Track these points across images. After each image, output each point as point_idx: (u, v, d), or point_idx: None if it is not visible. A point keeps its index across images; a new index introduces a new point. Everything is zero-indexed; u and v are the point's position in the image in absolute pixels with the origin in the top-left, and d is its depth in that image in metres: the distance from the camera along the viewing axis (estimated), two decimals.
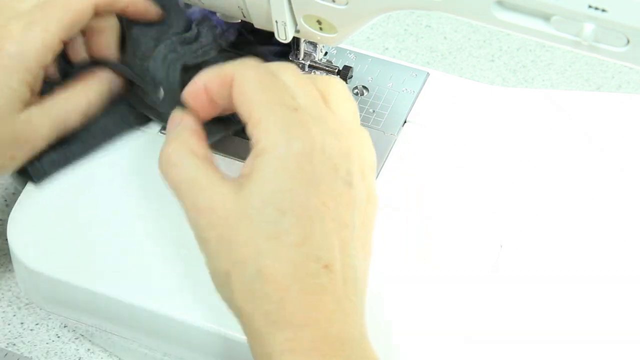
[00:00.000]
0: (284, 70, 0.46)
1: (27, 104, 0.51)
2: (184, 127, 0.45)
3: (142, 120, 0.57)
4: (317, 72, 0.59)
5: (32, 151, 0.53)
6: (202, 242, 0.43)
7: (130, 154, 0.56)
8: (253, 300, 0.41)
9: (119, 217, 0.54)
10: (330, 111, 0.45)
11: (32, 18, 0.50)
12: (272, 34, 0.54)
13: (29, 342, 0.63)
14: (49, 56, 0.51)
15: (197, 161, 0.43)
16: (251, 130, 0.43)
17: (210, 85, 0.46)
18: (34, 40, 0.50)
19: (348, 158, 0.44)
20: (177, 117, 0.46)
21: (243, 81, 0.44)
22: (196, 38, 0.55)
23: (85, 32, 0.55)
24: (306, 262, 0.41)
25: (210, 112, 0.47)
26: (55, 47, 0.51)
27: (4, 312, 0.64)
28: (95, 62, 0.55)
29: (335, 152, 0.43)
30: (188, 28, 0.56)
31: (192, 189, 0.43)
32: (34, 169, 0.55)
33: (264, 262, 0.41)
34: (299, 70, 0.47)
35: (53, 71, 0.54)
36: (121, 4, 0.54)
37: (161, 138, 0.56)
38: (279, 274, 0.41)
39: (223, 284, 0.43)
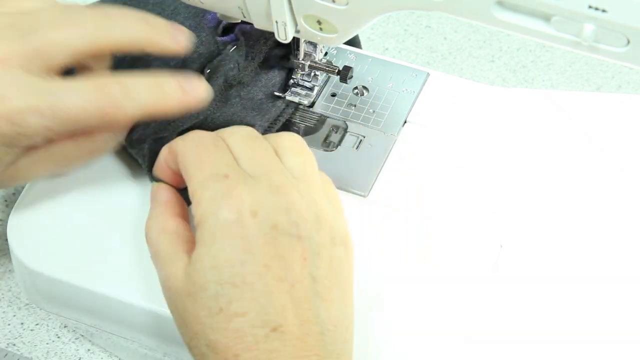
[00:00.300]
0: (233, 132, 0.47)
1: (18, 156, 0.47)
2: (158, 203, 0.48)
3: None
4: (317, 72, 0.59)
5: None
6: (170, 311, 0.45)
7: (130, 155, 0.56)
8: None
9: (119, 218, 0.54)
10: (277, 163, 0.46)
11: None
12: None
13: (29, 342, 0.63)
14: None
15: (163, 238, 0.46)
16: (192, 203, 0.45)
17: (167, 159, 0.48)
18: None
19: (289, 211, 0.43)
20: (153, 191, 0.48)
21: (182, 155, 0.46)
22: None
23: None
24: (252, 330, 0.41)
25: (181, 182, 0.48)
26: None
27: (4, 312, 0.64)
28: None
29: (271, 209, 0.43)
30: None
31: (157, 264, 0.45)
32: None
33: (210, 336, 0.42)
34: (253, 131, 0.48)
35: None
36: (110, 43, 0.47)
37: None
38: (226, 347, 0.41)
39: (192, 354, 0.44)
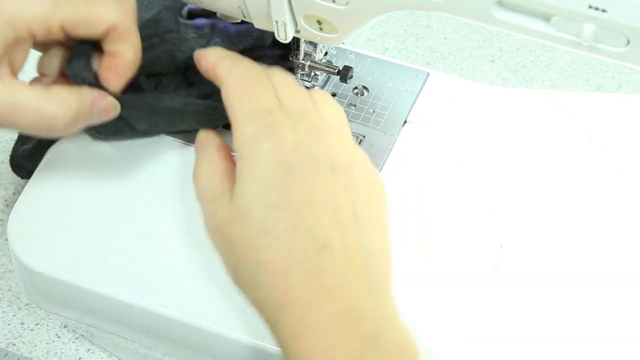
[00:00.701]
0: (277, 72, 0.48)
1: None
2: (208, 146, 0.48)
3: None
4: (317, 72, 0.59)
5: None
6: (213, 244, 0.46)
7: (132, 156, 0.56)
8: (261, 291, 0.43)
9: (119, 218, 0.54)
10: (315, 108, 0.47)
11: None
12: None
13: (29, 342, 0.63)
14: None
15: (213, 177, 0.46)
16: (233, 132, 0.46)
17: (208, 69, 0.49)
18: None
19: (329, 148, 0.45)
20: (202, 137, 0.49)
21: (227, 87, 0.47)
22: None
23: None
24: (301, 247, 0.43)
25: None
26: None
27: (4, 312, 0.64)
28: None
29: (313, 147, 0.45)
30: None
31: (204, 200, 0.46)
32: (15, 166, 0.56)
33: (260, 257, 0.43)
34: (290, 75, 0.49)
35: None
36: (97, 28, 0.50)
37: (162, 138, 0.57)
38: (276, 264, 0.43)
39: (235, 280, 0.45)
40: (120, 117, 0.53)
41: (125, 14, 0.50)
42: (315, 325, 0.42)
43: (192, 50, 0.54)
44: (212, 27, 0.57)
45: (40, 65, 0.52)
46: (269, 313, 0.43)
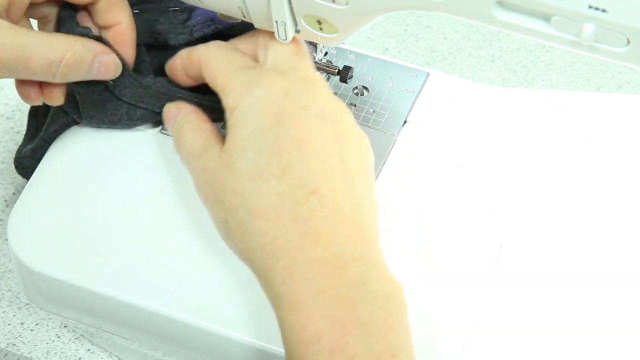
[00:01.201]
0: (264, 34, 0.50)
1: None
2: (188, 109, 0.50)
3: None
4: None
5: None
6: (203, 200, 0.46)
7: (130, 154, 0.56)
8: (250, 239, 0.43)
9: (119, 217, 0.54)
10: (303, 61, 0.48)
11: None
12: None
13: (29, 342, 0.63)
14: None
15: (199, 134, 0.48)
16: (221, 97, 0.47)
17: (185, 65, 0.51)
18: None
19: (318, 97, 0.46)
20: (172, 107, 0.51)
21: (208, 58, 0.49)
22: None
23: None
24: (291, 191, 0.43)
25: (188, 83, 0.53)
26: None
27: (4, 312, 0.64)
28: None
29: (301, 94, 0.46)
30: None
31: (192, 155, 0.47)
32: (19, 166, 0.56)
33: (251, 202, 0.43)
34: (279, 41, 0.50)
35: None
36: None
37: (161, 138, 0.57)
38: (266, 209, 0.43)
39: (225, 233, 0.45)
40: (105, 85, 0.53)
41: None
42: (306, 269, 0.42)
43: (171, 23, 0.54)
44: (195, 7, 0.57)
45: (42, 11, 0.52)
46: (259, 262, 0.43)
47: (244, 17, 0.54)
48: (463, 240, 0.53)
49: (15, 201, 0.56)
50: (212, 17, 0.56)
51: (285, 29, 0.52)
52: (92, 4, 0.51)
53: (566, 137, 0.58)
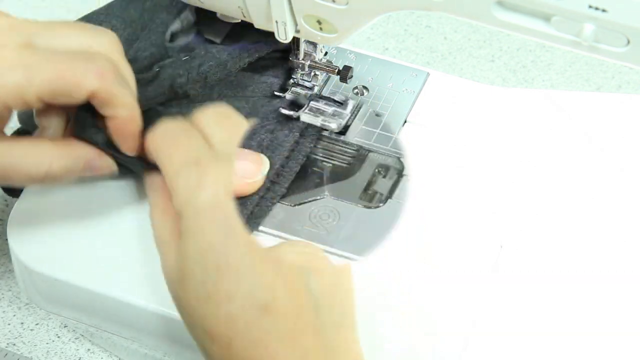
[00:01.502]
0: (204, 112, 0.46)
1: None
2: (156, 187, 0.47)
3: None
4: (317, 72, 0.59)
5: None
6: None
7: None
8: (210, 358, 0.42)
9: (119, 217, 0.54)
10: (237, 135, 0.46)
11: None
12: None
13: (29, 342, 0.63)
14: None
15: (164, 222, 0.45)
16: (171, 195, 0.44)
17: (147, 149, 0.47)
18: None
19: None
20: (149, 178, 0.47)
21: (152, 147, 0.45)
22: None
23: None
24: (242, 312, 0.41)
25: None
26: None
27: (4, 312, 0.64)
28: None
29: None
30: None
31: (158, 250, 0.45)
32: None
33: (206, 324, 0.42)
34: (226, 109, 0.47)
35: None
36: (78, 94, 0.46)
37: None
38: (220, 332, 0.41)
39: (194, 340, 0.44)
40: None
41: (102, 77, 0.46)
42: None
43: (189, 74, 0.54)
44: (205, 51, 0.56)
45: (42, 121, 0.50)
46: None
47: (244, 17, 0.54)
48: (463, 240, 0.53)
49: (15, 201, 0.56)
50: (224, 62, 0.56)
51: (285, 29, 0.52)
52: (91, 99, 0.47)
53: (566, 137, 0.58)
